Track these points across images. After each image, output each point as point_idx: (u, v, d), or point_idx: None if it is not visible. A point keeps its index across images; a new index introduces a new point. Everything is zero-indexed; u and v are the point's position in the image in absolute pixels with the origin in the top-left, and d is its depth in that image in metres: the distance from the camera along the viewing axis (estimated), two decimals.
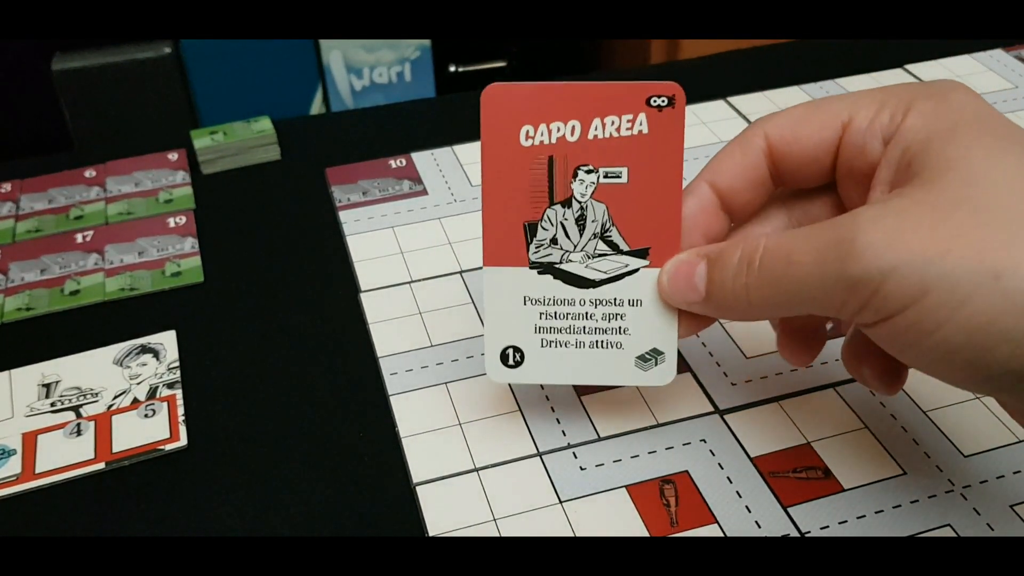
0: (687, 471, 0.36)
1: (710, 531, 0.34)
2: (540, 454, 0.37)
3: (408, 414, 0.39)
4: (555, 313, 0.34)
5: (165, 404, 0.40)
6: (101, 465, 0.38)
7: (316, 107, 1.25)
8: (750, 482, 0.35)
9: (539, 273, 0.33)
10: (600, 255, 0.33)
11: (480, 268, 0.46)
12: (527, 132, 0.32)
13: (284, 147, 0.57)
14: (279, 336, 0.44)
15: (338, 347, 0.43)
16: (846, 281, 0.27)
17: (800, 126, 0.32)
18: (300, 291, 0.46)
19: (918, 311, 0.26)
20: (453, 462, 0.37)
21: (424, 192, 0.53)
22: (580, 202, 0.33)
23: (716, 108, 0.59)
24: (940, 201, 0.26)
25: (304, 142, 0.58)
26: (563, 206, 0.33)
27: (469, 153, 0.56)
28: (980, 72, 0.61)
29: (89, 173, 0.55)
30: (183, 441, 0.38)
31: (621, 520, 0.34)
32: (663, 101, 0.32)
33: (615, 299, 0.33)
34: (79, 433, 0.39)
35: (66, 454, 0.38)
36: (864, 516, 0.34)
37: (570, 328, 0.34)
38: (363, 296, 0.46)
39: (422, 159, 0.55)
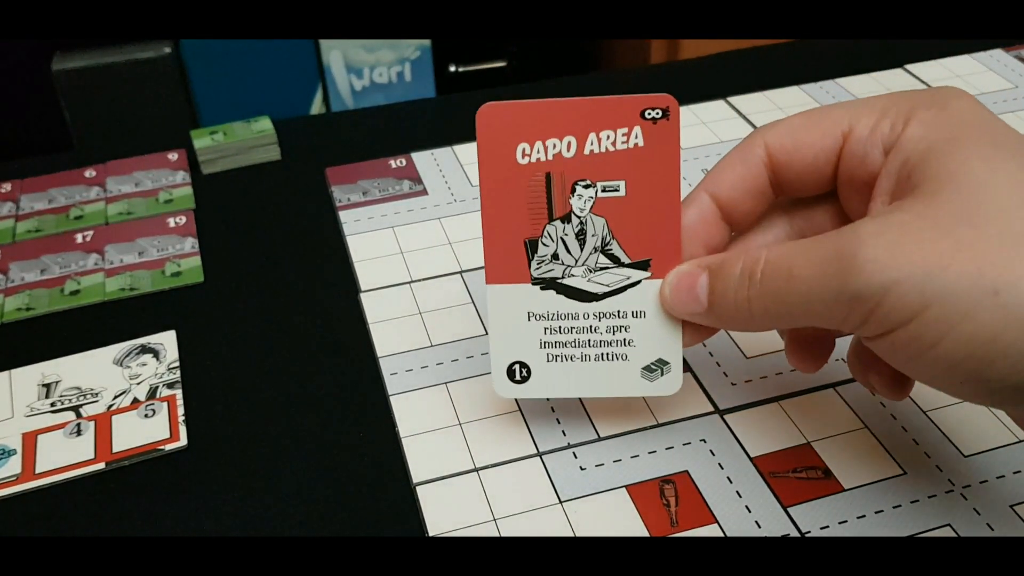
0: (687, 471, 0.36)
1: (710, 531, 0.34)
2: (540, 454, 0.37)
3: (408, 414, 0.39)
4: (559, 328, 0.34)
5: (165, 404, 0.40)
6: (101, 465, 0.38)
7: (316, 107, 1.25)
8: (750, 482, 0.35)
9: (542, 289, 0.34)
10: (601, 269, 0.33)
11: (480, 268, 0.46)
12: (523, 150, 0.32)
13: (284, 147, 0.57)
14: (279, 336, 0.44)
15: (338, 347, 0.43)
16: (847, 295, 0.27)
17: (800, 135, 0.32)
18: (300, 291, 0.46)
19: (919, 325, 0.26)
20: (453, 462, 0.37)
21: (424, 192, 0.53)
22: (579, 217, 0.33)
23: (716, 108, 0.59)
24: (940, 215, 0.26)
25: (304, 142, 0.58)
26: (563, 221, 0.33)
27: (469, 153, 0.56)
28: (980, 72, 0.61)
29: (89, 173, 0.55)
30: (183, 441, 0.38)
31: (621, 520, 0.34)
32: (657, 113, 0.32)
33: (618, 311, 0.34)
34: (79, 433, 0.39)
35: (66, 454, 0.38)
36: (864, 516, 0.34)
37: (575, 342, 0.34)
38: (363, 296, 0.46)
39: (422, 159, 0.55)
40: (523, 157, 0.32)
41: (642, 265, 0.33)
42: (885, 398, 0.33)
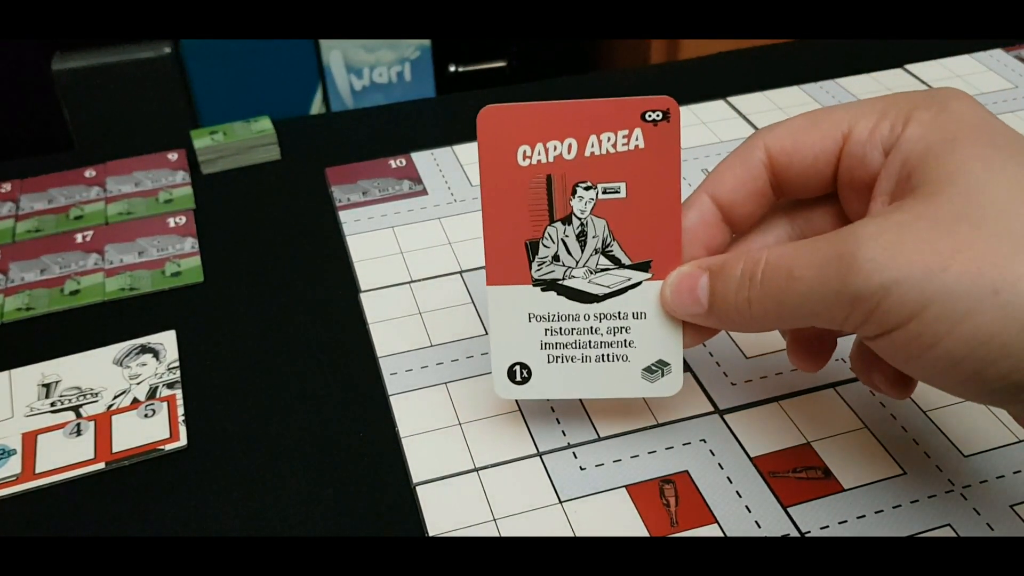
0: (687, 471, 0.36)
1: (710, 531, 0.34)
2: (540, 454, 0.37)
3: (408, 414, 0.39)
4: (560, 329, 0.34)
5: (165, 404, 0.40)
6: (101, 465, 0.38)
7: (316, 107, 1.25)
8: (750, 482, 0.35)
9: (543, 290, 0.34)
10: (602, 270, 0.33)
11: (480, 268, 0.46)
12: (524, 152, 0.32)
13: (284, 147, 0.57)
14: (279, 336, 0.44)
15: (338, 347, 0.43)
16: (848, 296, 0.27)
17: (800, 137, 0.32)
18: (300, 291, 0.46)
19: (919, 325, 0.26)
20: (453, 462, 0.37)
21: (424, 192, 0.53)
22: (580, 218, 0.33)
23: (716, 108, 0.59)
24: (940, 215, 0.26)
25: (304, 142, 0.58)
26: (563, 223, 0.33)
27: (469, 153, 0.56)
28: (980, 72, 0.61)
29: (89, 173, 0.55)
30: (183, 441, 0.38)
31: (621, 520, 0.34)
32: (658, 115, 0.32)
33: (619, 313, 0.34)
34: (79, 433, 0.39)
35: (66, 454, 0.38)
36: (864, 516, 0.34)
37: (576, 343, 0.34)
38: (363, 296, 0.46)
39: (422, 159, 0.55)
40: (524, 159, 0.32)
41: (643, 266, 0.33)
42: (889, 397, 0.33)
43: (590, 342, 0.34)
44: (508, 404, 0.39)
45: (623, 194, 0.33)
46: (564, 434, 0.38)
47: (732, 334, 0.42)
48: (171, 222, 0.51)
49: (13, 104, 1.24)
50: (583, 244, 0.33)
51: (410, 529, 0.34)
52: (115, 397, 0.41)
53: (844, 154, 0.31)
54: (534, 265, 0.33)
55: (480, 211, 0.33)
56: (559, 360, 0.34)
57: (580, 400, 0.39)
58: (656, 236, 0.33)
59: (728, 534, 0.34)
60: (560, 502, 0.35)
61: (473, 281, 0.46)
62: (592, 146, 0.32)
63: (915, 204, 0.27)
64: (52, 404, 0.40)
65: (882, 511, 0.34)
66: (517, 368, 0.35)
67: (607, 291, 0.34)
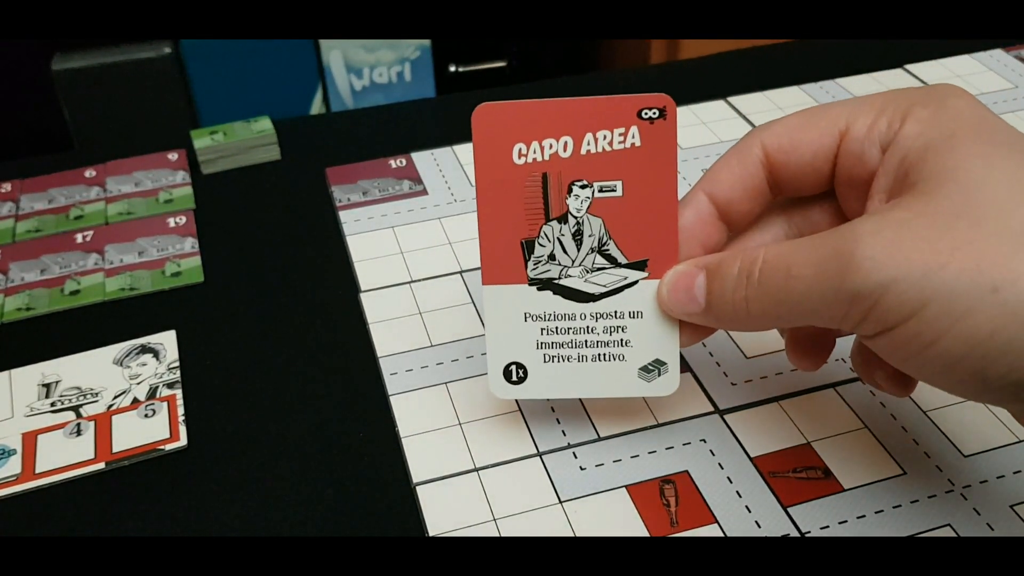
0: (687, 471, 0.36)
1: (710, 531, 0.34)
2: (540, 454, 0.37)
3: (408, 414, 0.39)
4: (556, 328, 0.34)
5: (165, 404, 0.40)
6: (101, 465, 0.38)
7: (316, 107, 1.25)
8: (750, 482, 0.35)
9: (538, 289, 0.34)
10: (598, 269, 0.33)
11: (480, 268, 0.46)
12: (519, 150, 0.32)
13: (284, 147, 0.57)
14: (279, 336, 0.44)
15: (338, 347, 0.43)
16: (846, 294, 0.27)
17: (797, 135, 0.31)
18: (300, 291, 0.46)
19: (917, 323, 0.26)
20: (453, 462, 0.37)
21: (424, 192, 0.53)
22: (576, 217, 0.33)
23: (716, 108, 0.59)
24: (939, 213, 0.26)
25: (304, 142, 0.58)
26: (559, 222, 0.33)
27: (469, 153, 0.56)
28: (980, 72, 0.61)
29: (89, 173, 0.55)
30: (183, 441, 0.38)
31: (621, 520, 0.34)
32: (654, 113, 0.32)
33: (615, 312, 0.34)
34: (79, 433, 0.39)
35: (66, 454, 0.38)
36: (864, 516, 0.34)
37: (572, 343, 0.34)
38: (363, 296, 0.46)
39: (422, 159, 0.55)
40: (519, 157, 0.32)
41: (639, 265, 0.33)
42: (890, 395, 0.33)
43: (586, 341, 0.34)
44: (508, 404, 0.39)
45: (619, 192, 0.32)
46: (564, 434, 0.38)
47: (732, 334, 0.42)
48: (171, 222, 0.51)
49: (13, 104, 1.24)
50: (579, 243, 0.33)
51: (410, 529, 0.34)
52: (115, 397, 0.41)
53: (842, 151, 0.31)
54: (530, 264, 0.33)
55: (476, 213, 0.33)
56: (555, 360, 0.34)
57: (580, 400, 0.39)
58: (653, 235, 0.33)
59: (728, 534, 0.34)
60: (560, 502, 0.35)
61: (473, 281, 0.46)
62: (588, 144, 0.32)
63: (913, 201, 0.27)
64: (52, 404, 0.40)
65: (882, 511, 0.34)
66: (513, 368, 0.35)
67: (603, 290, 0.33)
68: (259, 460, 0.38)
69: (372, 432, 0.38)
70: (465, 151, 0.56)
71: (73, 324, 0.45)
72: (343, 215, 0.51)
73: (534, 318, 0.34)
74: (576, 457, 0.37)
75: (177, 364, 0.42)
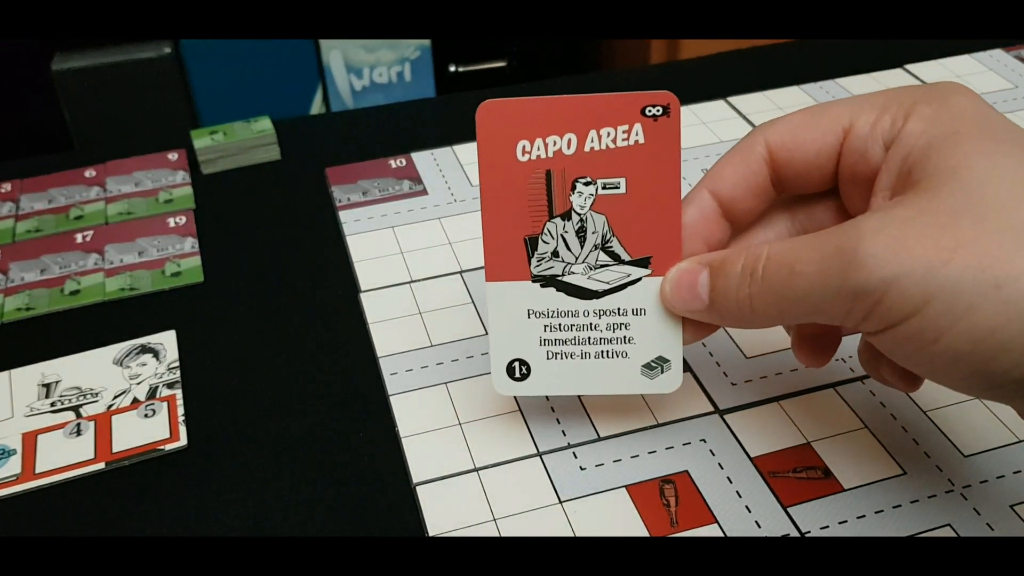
0: (687, 471, 0.36)
1: (710, 531, 0.34)
2: (540, 454, 0.37)
3: (408, 414, 0.39)
4: (559, 325, 0.34)
5: (165, 404, 0.40)
6: (101, 465, 0.38)
7: (316, 107, 1.25)
8: (750, 482, 0.35)
9: (542, 286, 0.34)
10: (602, 266, 0.33)
11: (480, 268, 0.46)
12: (523, 147, 0.32)
13: (284, 147, 0.57)
14: (279, 336, 0.44)
15: (338, 347, 0.43)
16: (849, 291, 0.27)
17: (801, 132, 0.31)
18: (300, 291, 0.46)
19: (920, 320, 0.26)
20: (453, 462, 0.37)
21: (424, 192, 0.53)
22: (579, 214, 0.33)
23: (716, 108, 0.59)
24: (942, 210, 0.26)
25: (304, 142, 0.58)
26: (563, 219, 0.33)
27: (469, 153, 0.56)
28: (980, 72, 0.61)
29: (89, 173, 0.55)
30: (183, 441, 0.38)
31: (621, 520, 0.34)
32: (658, 110, 0.32)
33: (619, 309, 0.34)
34: (79, 433, 0.39)
35: (66, 454, 0.38)
36: (864, 516, 0.34)
37: (575, 339, 0.34)
38: (363, 296, 0.46)
39: (422, 159, 0.55)
40: (523, 154, 0.32)
41: (643, 262, 0.33)
42: (898, 390, 0.33)
43: (589, 338, 0.34)
44: (508, 404, 0.39)
45: (623, 190, 0.32)
46: (564, 434, 0.38)
47: (732, 333, 0.42)
48: (171, 222, 0.51)
49: (13, 104, 1.24)
50: (582, 240, 0.33)
51: (410, 529, 0.34)
52: (115, 397, 0.41)
53: (845, 149, 0.31)
54: (533, 261, 0.33)
55: (479, 213, 0.33)
56: (558, 356, 0.34)
57: (580, 399, 0.39)
58: (656, 232, 0.33)
59: (728, 534, 0.34)
60: (560, 502, 0.35)
61: (473, 281, 0.46)
62: (592, 141, 0.32)
63: (917, 199, 0.27)
64: (52, 404, 0.40)
65: (882, 511, 0.34)
66: (516, 364, 0.35)
67: (607, 287, 0.33)
68: (259, 460, 0.38)
69: (372, 432, 0.38)
70: (465, 151, 0.56)
71: (73, 324, 0.45)
72: (343, 215, 0.51)
73: (537, 315, 0.34)
74: (576, 457, 0.37)
75: (177, 364, 0.42)
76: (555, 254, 0.33)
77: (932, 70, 0.61)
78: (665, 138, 0.32)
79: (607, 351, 0.34)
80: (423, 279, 0.46)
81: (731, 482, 0.35)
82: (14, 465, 0.38)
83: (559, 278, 0.34)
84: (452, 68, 1.34)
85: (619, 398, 0.39)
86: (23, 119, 1.25)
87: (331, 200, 0.53)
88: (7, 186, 0.54)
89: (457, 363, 0.41)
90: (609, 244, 0.33)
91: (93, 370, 0.42)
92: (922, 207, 0.27)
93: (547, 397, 0.39)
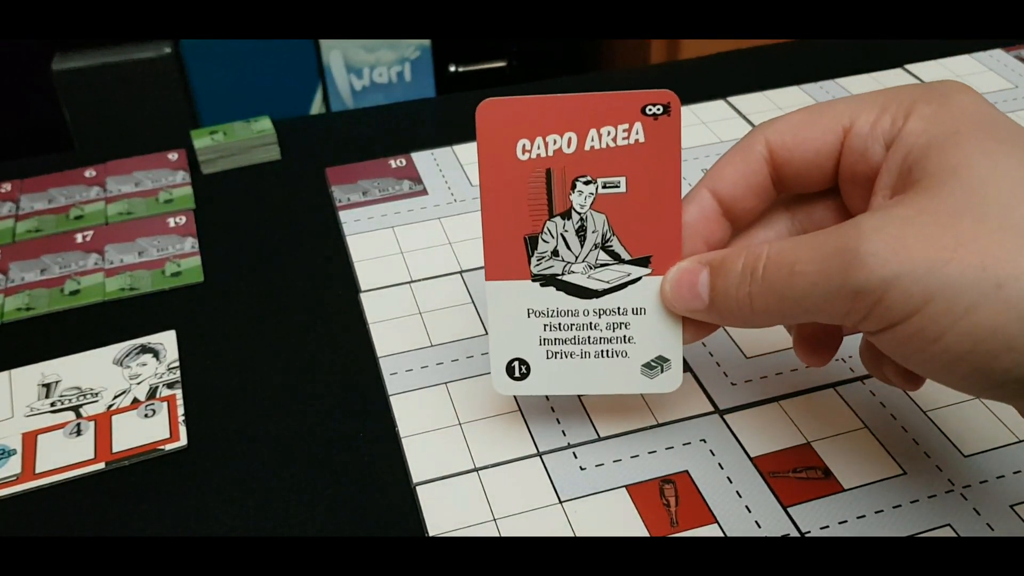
0: (687, 471, 0.36)
1: (710, 531, 0.34)
2: (540, 454, 0.37)
3: (408, 414, 0.39)
4: (559, 324, 0.34)
5: (165, 404, 0.40)
6: (101, 465, 0.38)
7: (316, 107, 1.25)
8: (750, 482, 0.35)
9: (542, 285, 0.34)
10: (602, 265, 0.33)
11: (480, 268, 0.46)
12: (523, 146, 0.32)
13: (284, 147, 0.57)
14: (279, 336, 0.44)
15: (338, 347, 0.43)
16: (849, 290, 0.27)
17: (801, 131, 0.31)
18: (300, 291, 0.46)
19: (921, 320, 0.26)
20: (453, 462, 0.37)
21: (424, 192, 0.53)
22: (580, 213, 0.33)
23: (716, 108, 0.59)
24: (942, 209, 0.26)
25: (304, 142, 0.58)
26: (563, 218, 0.33)
27: (469, 153, 0.56)
28: (980, 72, 0.61)
29: (89, 173, 0.55)
30: (183, 441, 0.38)
31: (621, 520, 0.34)
32: (658, 109, 0.32)
33: (619, 308, 0.33)
34: (79, 433, 0.39)
35: (66, 454, 0.38)
36: (864, 516, 0.34)
37: (575, 339, 0.34)
38: (363, 296, 0.46)
39: (422, 159, 0.55)
40: (523, 153, 0.32)
41: (643, 262, 0.33)
42: (901, 389, 0.33)
43: (589, 338, 0.34)
44: (508, 404, 0.39)
45: (623, 189, 0.32)
46: (564, 434, 0.38)
47: (732, 333, 0.42)
48: (171, 222, 0.51)
49: (13, 104, 1.24)
50: (582, 239, 0.33)
51: (410, 529, 0.34)
52: (115, 397, 0.41)
53: (845, 148, 0.31)
54: (533, 260, 0.33)
55: (479, 213, 0.33)
56: (558, 356, 0.34)
57: (580, 400, 0.39)
58: (656, 231, 0.33)
59: (728, 534, 0.34)
60: (560, 502, 0.35)
61: (473, 281, 0.46)
62: (592, 140, 0.32)
63: (917, 198, 0.27)
64: (52, 404, 0.40)
65: (882, 511, 0.34)
66: (516, 364, 0.35)
67: (606, 286, 0.33)
68: (259, 460, 0.38)
69: (372, 432, 0.38)
70: (465, 151, 0.56)
71: (73, 324, 0.45)
72: (343, 215, 0.51)
73: (537, 314, 0.34)
74: (576, 457, 0.37)
75: (177, 364, 0.42)
76: (555, 253, 0.33)
77: (932, 70, 0.61)
78: (665, 137, 0.32)
79: (607, 351, 0.34)
80: (423, 279, 0.46)
81: (731, 482, 0.35)
82: (14, 465, 0.38)
83: (559, 277, 0.34)
84: (452, 68, 1.34)
85: (619, 398, 0.39)
86: (23, 119, 1.25)
87: (331, 200, 0.53)
88: (7, 186, 0.54)
89: (457, 363, 0.41)
90: (609, 243, 0.33)
91: (93, 370, 0.42)
92: (923, 206, 0.27)
93: (547, 397, 0.39)
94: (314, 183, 0.54)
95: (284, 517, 0.35)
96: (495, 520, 0.34)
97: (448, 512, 0.35)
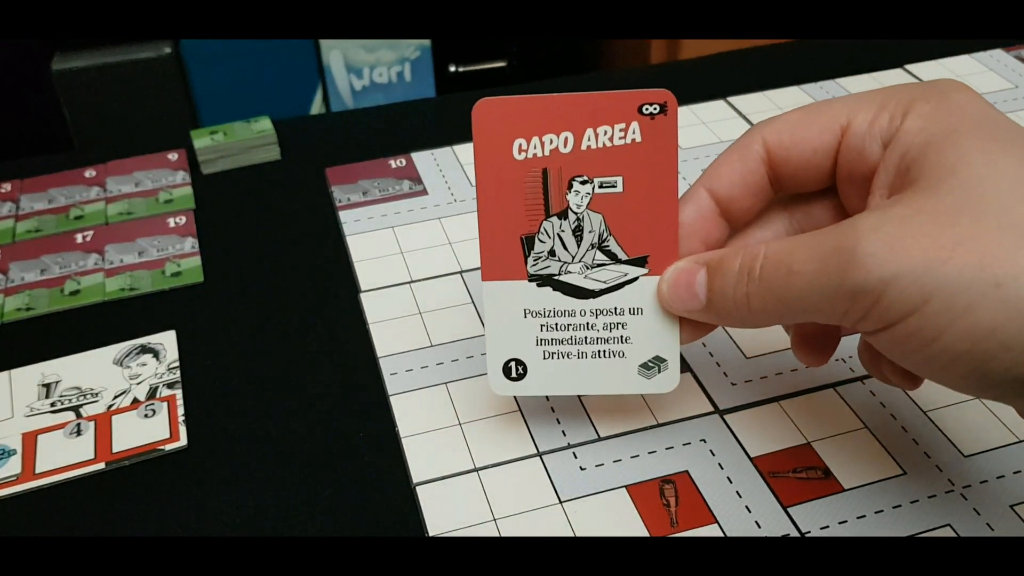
0: (687, 471, 0.36)
1: (710, 531, 0.34)
2: (540, 454, 0.37)
3: (408, 414, 0.39)
4: (556, 325, 0.34)
5: (165, 404, 0.40)
6: (101, 465, 0.38)
7: (316, 107, 1.25)
8: (750, 482, 0.35)
9: (538, 286, 0.34)
10: (599, 265, 0.33)
11: (480, 268, 0.46)
12: (520, 145, 0.32)
13: (284, 147, 0.57)
14: (279, 336, 0.44)
15: (338, 347, 0.43)
16: (847, 290, 0.27)
17: (798, 131, 0.31)
18: (300, 291, 0.46)
19: (919, 319, 0.26)
20: (453, 462, 0.37)
21: (424, 192, 0.53)
22: (576, 213, 0.33)
23: (716, 108, 0.59)
24: (940, 208, 0.26)
25: (304, 142, 0.58)
26: (559, 218, 0.33)
27: (469, 153, 0.56)
28: (980, 72, 0.61)
29: (89, 173, 0.55)
30: (183, 441, 0.38)
31: (621, 520, 0.34)
32: (655, 108, 0.32)
33: (615, 308, 0.33)
34: (79, 433, 0.39)
35: (66, 454, 0.38)
36: (864, 516, 0.34)
37: (571, 339, 0.34)
38: (363, 296, 0.46)
39: (422, 159, 0.55)
40: (519, 153, 0.32)
41: (639, 262, 0.33)
42: (900, 388, 0.33)
43: (586, 338, 0.34)
44: (508, 404, 0.39)
45: (620, 188, 0.32)
46: (564, 434, 0.38)
47: (732, 333, 0.42)
48: (171, 222, 0.51)
49: (13, 104, 1.24)
50: (579, 239, 0.33)
51: (410, 529, 0.34)
52: (115, 397, 0.41)
53: (843, 147, 0.31)
54: (530, 260, 0.33)
55: (476, 209, 0.33)
56: (555, 356, 0.34)
57: (580, 400, 0.39)
58: (653, 231, 0.33)
59: (728, 534, 0.34)
60: (560, 502, 0.35)
61: (473, 281, 0.46)
62: (589, 140, 0.32)
63: (915, 197, 0.27)
64: (52, 404, 0.40)
65: (882, 511, 0.34)
66: (512, 364, 0.35)
67: (603, 286, 0.33)
68: (259, 460, 0.38)
69: (372, 432, 0.38)
70: (465, 151, 0.56)
71: (73, 324, 0.45)
72: (343, 215, 0.51)
73: (534, 314, 0.34)
74: (576, 457, 0.37)
75: (177, 364, 0.42)
76: (551, 253, 0.33)
77: (932, 70, 0.61)
78: (662, 136, 0.32)
79: (604, 351, 0.34)
80: (423, 279, 0.46)
81: (731, 482, 0.35)
82: (14, 465, 0.38)
83: (555, 277, 0.33)
84: (452, 68, 1.34)
85: (619, 398, 0.39)
86: (23, 119, 1.25)
87: (331, 200, 0.53)
88: (7, 186, 0.54)
89: (457, 363, 0.41)
90: (606, 243, 0.33)
91: (93, 370, 0.42)
92: (920, 205, 0.27)
93: (547, 397, 0.39)
94: (314, 183, 0.54)
95: (284, 517, 0.35)
96: (495, 520, 0.35)
97: (448, 512, 0.35)
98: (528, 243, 0.33)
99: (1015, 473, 0.35)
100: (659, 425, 0.38)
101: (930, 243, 0.26)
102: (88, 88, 1.14)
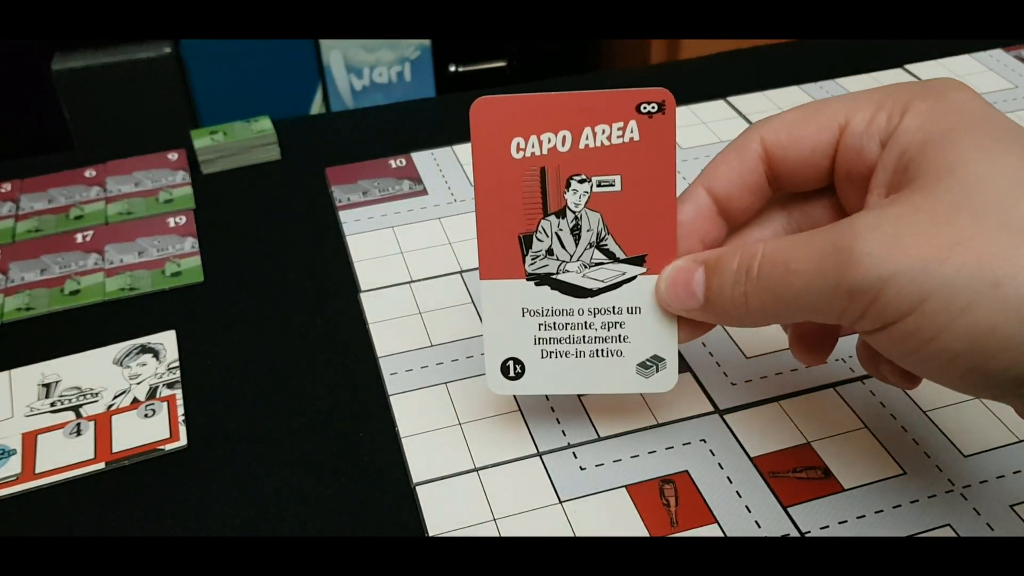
0: (687, 471, 0.36)
1: (710, 531, 0.34)
2: (540, 454, 0.37)
3: (408, 414, 0.39)
4: (554, 324, 0.34)
5: (165, 404, 0.40)
6: (101, 465, 0.38)
7: (316, 107, 1.25)
8: (750, 482, 0.35)
9: (536, 284, 0.34)
10: (597, 264, 0.33)
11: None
12: (518, 144, 0.32)
13: (284, 147, 0.57)
14: (279, 336, 0.44)
15: (338, 347, 0.43)
16: (845, 289, 0.27)
17: (796, 130, 0.31)
18: (300, 291, 0.46)
19: (917, 319, 0.26)
20: (453, 462, 0.37)
21: (424, 192, 0.53)
22: (574, 212, 0.33)
23: (716, 108, 0.59)
24: (939, 207, 0.26)
25: (304, 142, 0.58)
26: (557, 216, 0.33)
27: (469, 153, 0.56)
28: (980, 72, 0.61)
29: (89, 173, 0.55)
30: (183, 441, 0.38)
31: (621, 520, 0.34)
32: (653, 107, 0.32)
33: (614, 307, 0.33)
34: (79, 433, 0.39)
35: (66, 454, 0.38)
36: (864, 516, 0.34)
37: (570, 338, 0.34)
38: (363, 296, 0.46)
39: (422, 159, 0.55)
40: (518, 151, 0.32)
41: (637, 261, 0.33)
42: (899, 387, 0.33)
43: (584, 337, 0.34)
44: (508, 404, 0.39)
45: (618, 187, 0.32)
46: (564, 434, 0.38)
47: (732, 333, 0.42)
48: (171, 222, 0.51)
49: (13, 104, 1.24)
50: (577, 238, 0.33)
51: (410, 529, 0.34)
52: (115, 397, 0.41)
53: (841, 146, 0.31)
54: (527, 259, 0.33)
55: (474, 208, 0.33)
56: (553, 355, 0.34)
57: (580, 399, 0.39)
58: (651, 230, 0.33)
59: (728, 534, 0.34)
60: (560, 502, 0.35)
61: (473, 281, 0.46)
62: (587, 138, 0.32)
63: (913, 196, 0.27)
64: (52, 404, 0.40)
65: (882, 511, 0.34)
66: (511, 363, 0.34)
67: (601, 285, 0.33)
68: (259, 460, 0.38)
69: (372, 432, 0.38)
70: (465, 151, 0.56)
71: (73, 324, 0.45)
72: (343, 215, 0.51)
73: (532, 313, 0.34)
74: (576, 457, 0.37)
75: (177, 364, 0.42)
76: (549, 252, 0.33)
77: (932, 70, 0.61)
78: (660, 135, 0.32)
79: (602, 350, 0.34)
80: (423, 279, 0.46)
81: (731, 482, 0.35)
82: (14, 465, 0.38)
83: (553, 276, 0.33)
84: (452, 68, 1.34)
85: (619, 398, 0.39)
86: (23, 119, 1.25)
87: (331, 200, 0.53)
88: (7, 186, 0.54)
89: (457, 363, 0.41)
90: (604, 242, 0.33)
91: (93, 370, 0.42)
92: (918, 204, 0.27)
93: (547, 397, 0.39)
94: (314, 183, 0.54)
95: (284, 517, 0.35)
96: (495, 520, 0.35)
97: (448, 512, 0.35)
98: (526, 242, 0.33)
99: (1015, 473, 0.35)
100: (659, 425, 0.38)
101: (928, 242, 0.26)
102: (88, 88, 1.14)
